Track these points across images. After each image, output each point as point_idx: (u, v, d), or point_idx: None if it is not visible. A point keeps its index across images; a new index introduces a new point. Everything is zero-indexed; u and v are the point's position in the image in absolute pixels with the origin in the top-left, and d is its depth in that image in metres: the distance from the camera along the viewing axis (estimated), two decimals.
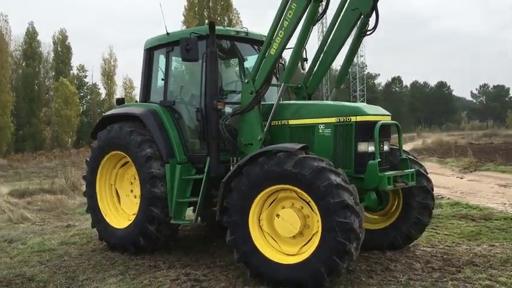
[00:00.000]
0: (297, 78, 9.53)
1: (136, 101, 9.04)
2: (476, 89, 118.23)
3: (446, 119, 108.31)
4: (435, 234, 8.60)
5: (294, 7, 6.69)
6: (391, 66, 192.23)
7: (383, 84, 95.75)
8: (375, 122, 6.57)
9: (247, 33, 8.27)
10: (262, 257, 6.15)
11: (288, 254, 6.18)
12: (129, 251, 7.92)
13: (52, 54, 62.76)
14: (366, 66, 69.96)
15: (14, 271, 7.23)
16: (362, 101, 57.05)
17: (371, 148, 6.56)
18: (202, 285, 6.31)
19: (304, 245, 6.11)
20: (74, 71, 67.02)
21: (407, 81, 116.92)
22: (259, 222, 6.32)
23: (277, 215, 6.19)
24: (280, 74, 8.44)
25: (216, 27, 7.47)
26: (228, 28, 8.34)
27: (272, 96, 7.95)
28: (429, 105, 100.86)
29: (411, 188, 7.23)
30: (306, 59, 8.33)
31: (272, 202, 6.31)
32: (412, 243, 7.78)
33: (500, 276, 6.18)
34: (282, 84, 7.15)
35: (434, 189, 14.02)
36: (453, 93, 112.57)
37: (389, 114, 7.12)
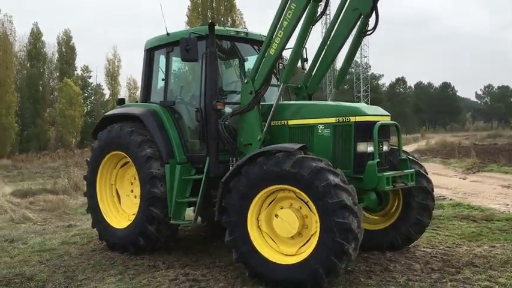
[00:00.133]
0: (298, 78, 9.53)
1: (137, 101, 9.05)
2: (480, 90, 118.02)
3: (450, 119, 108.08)
4: (436, 235, 8.57)
5: (293, 7, 6.69)
6: (395, 66, 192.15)
7: (387, 85, 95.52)
8: (374, 122, 6.56)
9: (247, 33, 8.27)
10: (261, 257, 6.15)
11: (286, 254, 6.17)
12: (128, 251, 7.93)
13: (56, 55, 62.95)
14: (370, 66, 69.79)
15: (14, 270, 7.25)
16: (366, 102, 56.92)
17: (370, 148, 6.55)
18: (200, 285, 6.31)
19: (302, 245, 6.11)
20: (78, 71, 67.28)
21: (411, 82, 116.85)
22: (258, 223, 6.32)
23: (276, 215, 6.19)
24: (281, 74, 8.43)
25: (216, 27, 7.48)
26: (228, 28, 8.34)
27: (272, 96, 7.94)
28: (433, 106, 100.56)
29: (411, 188, 7.21)
30: (306, 59, 8.33)
31: (271, 202, 6.30)
32: (412, 244, 7.76)
33: (499, 277, 6.16)
34: (281, 84, 7.14)
35: (437, 190, 14.02)
36: (457, 94, 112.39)
37: (389, 114, 7.10)
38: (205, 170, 7.33)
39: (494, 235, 8.46)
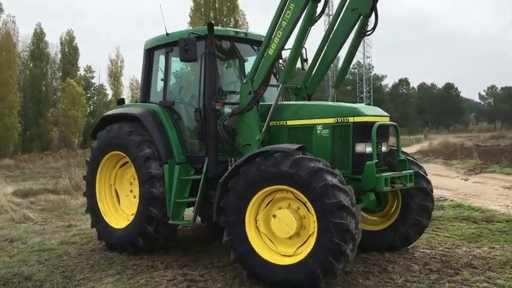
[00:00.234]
0: (299, 78, 9.51)
1: (137, 101, 9.05)
2: (484, 91, 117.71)
3: (454, 120, 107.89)
4: (435, 236, 8.55)
5: (292, 7, 6.69)
6: (398, 67, 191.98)
7: (390, 85, 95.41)
8: (373, 123, 6.54)
9: (246, 33, 8.27)
10: (259, 258, 6.13)
11: (284, 255, 6.16)
12: (127, 251, 7.93)
13: (59, 55, 63.05)
14: (373, 67, 69.70)
15: (12, 270, 7.25)
16: (368, 103, 56.82)
17: (368, 149, 6.54)
18: (198, 285, 6.31)
19: (300, 246, 6.10)
20: (81, 71, 67.43)
21: (414, 83, 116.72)
22: (256, 223, 6.30)
23: (274, 216, 6.17)
24: (280, 74, 8.41)
25: (215, 27, 7.48)
26: (227, 28, 8.34)
27: (271, 96, 7.92)
28: (437, 107, 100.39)
29: (410, 189, 7.19)
30: (306, 59, 8.32)
31: (269, 203, 6.29)
32: (412, 245, 7.74)
33: (498, 278, 6.13)
34: (280, 84, 7.13)
35: (438, 191, 14.03)
36: (461, 94, 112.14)
37: (388, 115, 7.09)
38: (204, 170, 7.33)
39: (494, 236, 8.43)
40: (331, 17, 7.63)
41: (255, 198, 6.18)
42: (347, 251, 5.64)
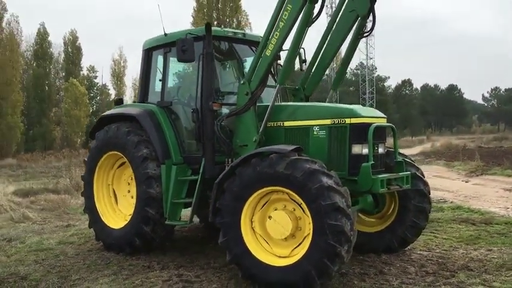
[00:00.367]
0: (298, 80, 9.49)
1: (135, 102, 9.06)
2: (487, 92, 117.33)
3: (457, 122, 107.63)
4: (433, 238, 8.53)
5: (289, 8, 6.68)
6: (401, 68, 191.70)
7: (393, 86, 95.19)
8: (370, 124, 6.53)
9: (244, 34, 8.27)
10: (254, 259, 6.13)
11: (279, 256, 6.16)
12: (124, 251, 7.93)
13: (63, 55, 63.19)
14: (376, 68, 69.55)
15: (9, 270, 7.27)
16: (371, 103, 56.71)
17: (365, 150, 6.51)
18: (193, 286, 6.32)
19: (296, 247, 6.09)
20: (84, 71, 67.51)
21: (417, 84, 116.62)
22: (252, 224, 6.30)
23: (269, 217, 6.17)
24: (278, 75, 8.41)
25: (213, 28, 7.48)
26: (226, 29, 8.34)
27: (269, 97, 7.91)
28: (440, 108, 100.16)
29: (407, 191, 7.17)
30: (304, 60, 8.30)
31: (265, 204, 6.29)
32: (409, 247, 7.72)
33: (494, 281, 6.11)
34: (277, 85, 7.12)
35: (438, 192, 14.01)
36: (464, 96, 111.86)
37: (385, 116, 7.07)
38: (201, 171, 7.32)
39: (492, 238, 8.40)
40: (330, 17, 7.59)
41: (250, 199, 6.18)
42: (342, 253, 5.63)
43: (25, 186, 18.21)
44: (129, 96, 60.88)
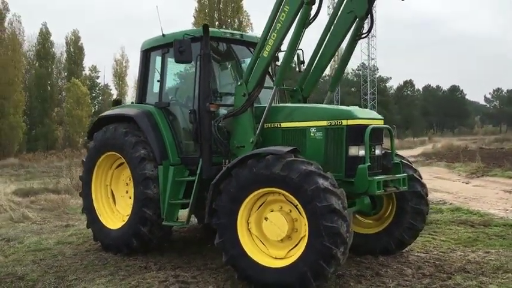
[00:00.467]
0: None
1: (133, 102, 9.06)
2: (489, 94, 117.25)
3: (459, 123, 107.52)
4: (431, 240, 8.51)
5: (286, 9, 6.68)
6: (402, 69, 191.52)
7: (395, 87, 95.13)
8: (366, 126, 6.52)
9: (242, 35, 8.27)
10: (250, 260, 6.12)
11: (275, 258, 6.15)
12: (122, 252, 7.93)
13: (65, 55, 63.36)
14: (378, 69, 69.55)
15: (6, 270, 7.28)
16: (373, 104, 56.68)
17: (362, 152, 6.50)
18: (189, 287, 6.31)
19: (292, 249, 6.08)
20: (86, 71, 67.72)
21: (419, 85, 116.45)
22: (248, 225, 6.30)
23: (266, 218, 6.17)
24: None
25: (211, 29, 7.48)
26: (224, 30, 8.33)
27: (267, 98, 7.91)
28: (442, 109, 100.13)
29: (405, 193, 7.16)
30: (303, 61, 8.29)
31: (261, 205, 6.28)
32: (407, 249, 7.71)
33: (490, 283, 6.10)
34: (274, 87, 7.12)
35: (438, 194, 13.98)
36: (466, 97, 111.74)
37: (382, 118, 7.06)
38: (198, 172, 7.33)
39: (491, 241, 8.38)
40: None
41: (247, 200, 6.18)
42: (338, 255, 5.62)
43: (25, 186, 18.24)
44: (131, 96, 60.91)
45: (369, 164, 6.40)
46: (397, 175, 6.85)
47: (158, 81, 8.17)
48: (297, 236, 6.07)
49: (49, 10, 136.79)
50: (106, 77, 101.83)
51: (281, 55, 7.48)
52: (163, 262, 7.46)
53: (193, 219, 8.99)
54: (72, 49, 63.17)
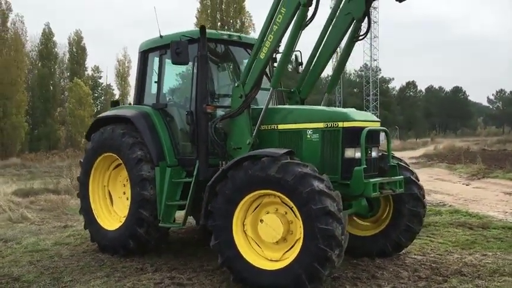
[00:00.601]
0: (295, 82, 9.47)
1: (130, 103, 9.07)
2: (492, 95, 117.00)
3: (462, 124, 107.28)
4: (429, 242, 8.49)
5: (283, 11, 6.67)
6: (405, 70, 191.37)
7: (397, 88, 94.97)
8: (362, 128, 6.50)
9: (239, 36, 8.26)
10: (246, 262, 6.12)
11: (271, 260, 6.15)
12: (118, 253, 7.92)
13: (67, 55, 63.48)
14: (380, 70, 69.48)
15: (2, 271, 7.28)
16: (375, 105, 56.59)
17: (358, 154, 6.48)
18: None
19: (287, 251, 6.08)
20: (89, 71, 67.85)
21: (421, 86, 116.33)
22: (244, 227, 6.29)
23: (261, 220, 6.16)
24: None
25: (209, 30, 7.47)
26: (221, 32, 8.32)
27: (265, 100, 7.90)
28: (444, 110, 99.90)
29: (402, 195, 7.14)
30: (301, 63, 8.29)
31: (257, 207, 6.28)
32: (404, 251, 7.69)
33: (486, 286, 6.08)
34: (271, 89, 7.11)
35: (438, 196, 13.95)
36: (469, 98, 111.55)
37: (379, 120, 7.05)
38: (195, 173, 7.32)
39: (488, 243, 8.35)
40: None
41: (242, 202, 6.17)
42: (333, 257, 5.61)
43: (26, 186, 18.26)
44: (133, 97, 60.92)
45: (365, 166, 6.38)
46: (394, 177, 6.84)
47: (156, 82, 8.17)
48: (292, 238, 6.06)
49: (52, 10, 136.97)
50: (108, 77, 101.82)
51: (279, 56, 7.50)
52: (159, 263, 7.44)
53: (192, 221, 8.97)
54: (74, 49, 63.30)
